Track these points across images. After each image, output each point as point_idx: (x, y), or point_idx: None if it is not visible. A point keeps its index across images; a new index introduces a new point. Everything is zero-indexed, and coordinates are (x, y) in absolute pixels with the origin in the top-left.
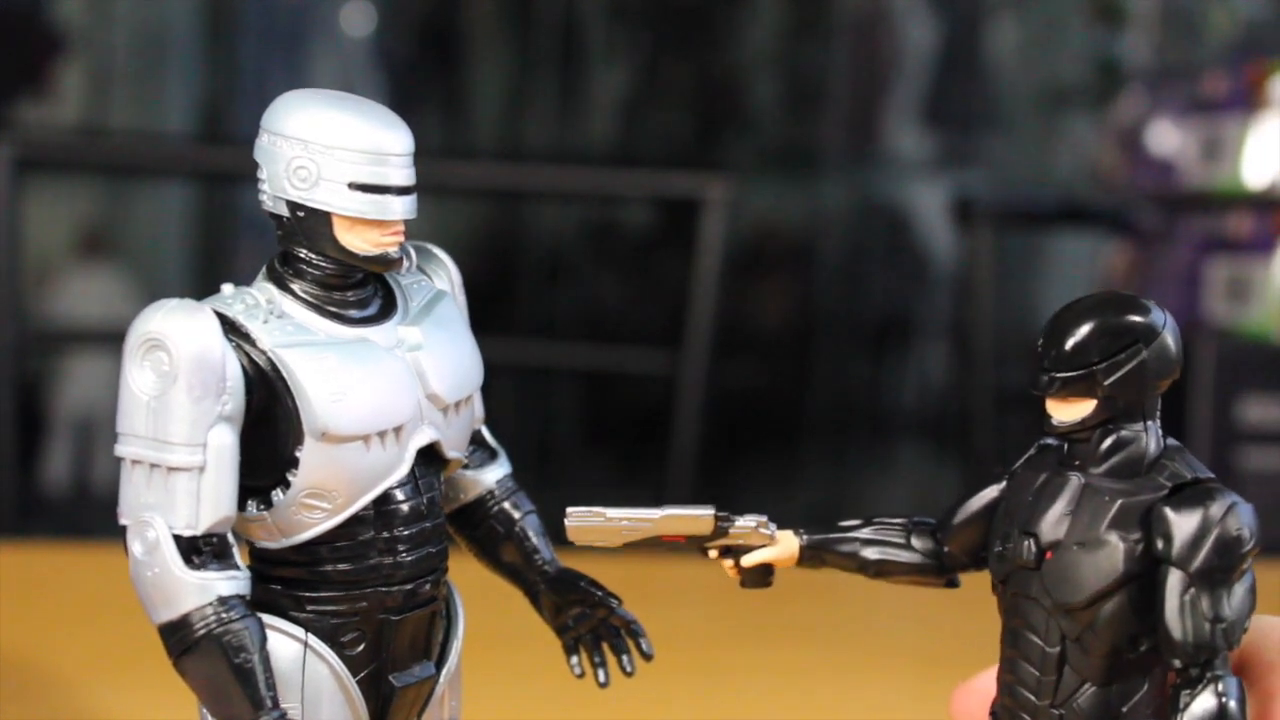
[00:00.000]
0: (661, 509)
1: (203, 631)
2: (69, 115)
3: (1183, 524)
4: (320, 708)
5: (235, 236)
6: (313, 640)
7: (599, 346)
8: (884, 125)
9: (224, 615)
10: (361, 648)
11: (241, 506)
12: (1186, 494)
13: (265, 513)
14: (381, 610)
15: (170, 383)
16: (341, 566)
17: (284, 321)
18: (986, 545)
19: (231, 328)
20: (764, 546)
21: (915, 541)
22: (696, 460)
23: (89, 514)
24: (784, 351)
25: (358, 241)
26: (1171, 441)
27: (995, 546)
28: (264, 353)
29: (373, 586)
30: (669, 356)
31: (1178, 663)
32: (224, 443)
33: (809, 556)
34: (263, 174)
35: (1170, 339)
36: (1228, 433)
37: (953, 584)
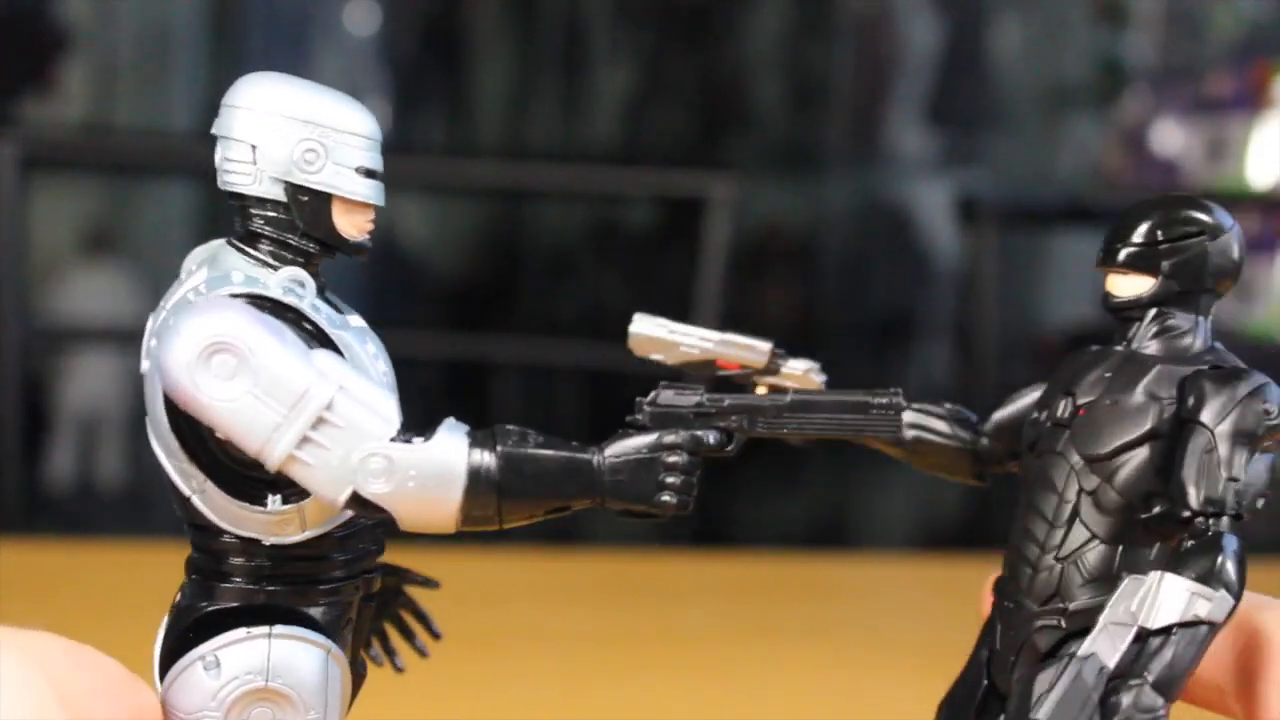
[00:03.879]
0: (722, 333)
1: (493, 463)
2: (73, 113)
3: (1216, 389)
4: (337, 712)
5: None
6: (333, 646)
7: (602, 345)
8: (887, 124)
9: (487, 437)
10: (350, 638)
11: (262, 502)
12: (1224, 370)
13: (295, 504)
14: (362, 599)
15: (248, 364)
16: (343, 556)
17: (316, 304)
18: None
19: (277, 306)
20: None
21: (954, 428)
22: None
23: (94, 512)
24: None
25: (348, 226)
26: (1217, 344)
27: (1032, 415)
28: (324, 334)
29: (362, 574)
30: None
31: (1186, 513)
32: (331, 358)
33: None
34: (239, 154)
35: (1235, 243)
36: None
37: (981, 478)
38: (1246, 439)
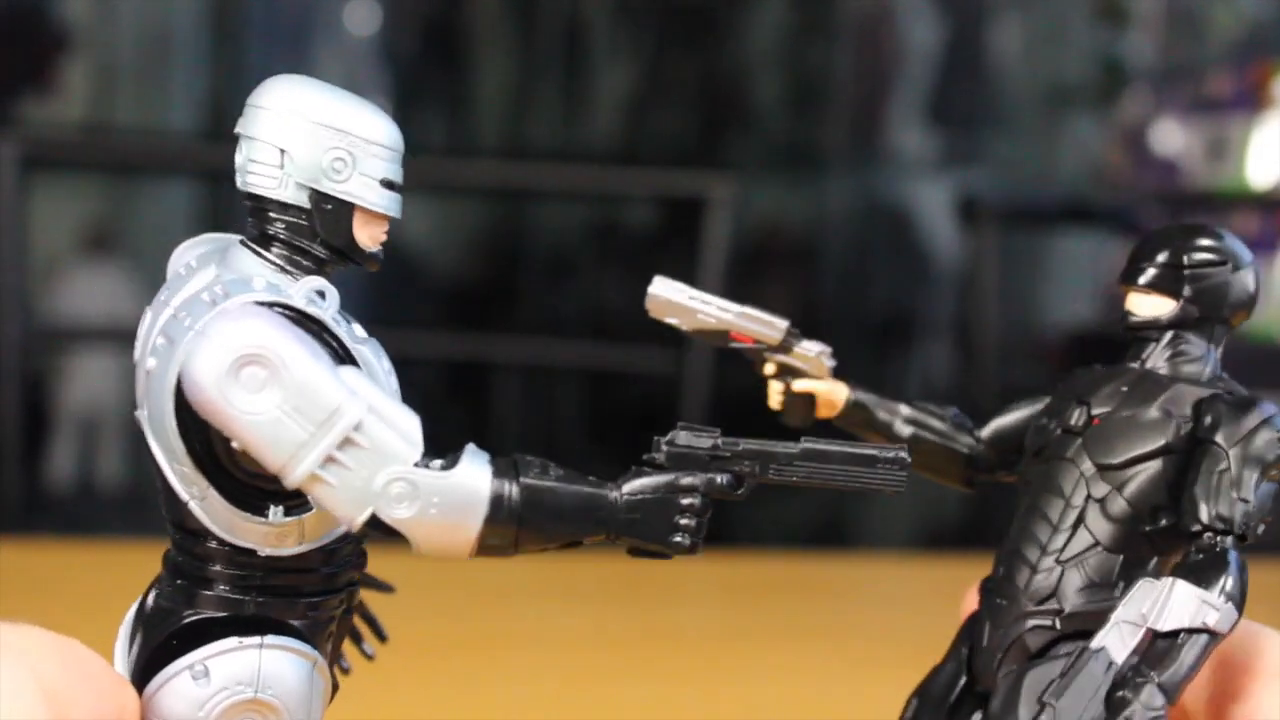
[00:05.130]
0: (741, 306)
1: (516, 494)
2: (74, 113)
3: (1232, 414)
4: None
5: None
6: (320, 658)
7: (603, 345)
8: (888, 124)
9: (509, 467)
10: (330, 646)
11: (264, 513)
12: (1239, 397)
13: (297, 517)
14: (345, 609)
15: (279, 377)
16: (328, 569)
17: (337, 317)
18: (1020, 448)
19: (301, 317)
20: (818, 379)
21: (951, 430)
22: None
23: (94, 512)
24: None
25: (365, 237)
26: (1225, 374)
27: (1039, 422)
28: (346, 348)
29: (345, 587)
30: (673, 355)
31: (1195, 527)
32: (359, 376)
33: (851, 409)
34: (266, 156)
35: (1253, 278)
36: None
37: (970, 483)
38: (1258, 464)
